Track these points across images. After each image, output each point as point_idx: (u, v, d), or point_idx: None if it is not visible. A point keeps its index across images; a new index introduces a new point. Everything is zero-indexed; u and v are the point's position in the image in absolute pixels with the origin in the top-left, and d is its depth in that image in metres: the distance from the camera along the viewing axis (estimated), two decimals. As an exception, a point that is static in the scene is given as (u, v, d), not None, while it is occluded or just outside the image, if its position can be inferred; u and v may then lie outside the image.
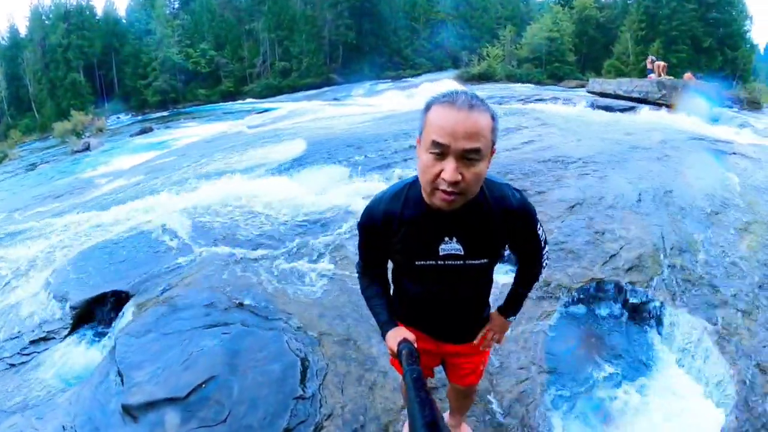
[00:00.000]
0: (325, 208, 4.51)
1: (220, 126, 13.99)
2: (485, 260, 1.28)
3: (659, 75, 14.84)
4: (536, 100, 14.67)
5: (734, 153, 6.32)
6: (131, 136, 20.90)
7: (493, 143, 1.11)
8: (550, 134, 6.94)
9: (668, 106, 12.61)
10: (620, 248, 3.63)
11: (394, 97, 19.39)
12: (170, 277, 3.34)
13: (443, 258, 1.25)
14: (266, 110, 19.83)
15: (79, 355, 2.95)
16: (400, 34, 46.37)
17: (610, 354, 2.87)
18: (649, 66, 15.77)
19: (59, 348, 3.02)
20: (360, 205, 4.49)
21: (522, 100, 14.91)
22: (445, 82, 22.91)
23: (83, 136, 21.97)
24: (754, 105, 19.28)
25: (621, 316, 3.22)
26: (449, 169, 1.04)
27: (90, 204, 6.21)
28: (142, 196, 5.35)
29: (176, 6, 48.61)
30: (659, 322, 3.12)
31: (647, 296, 3.23)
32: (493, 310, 1.56)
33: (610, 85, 16.10)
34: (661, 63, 15.62)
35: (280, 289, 3.19)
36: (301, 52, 42.12)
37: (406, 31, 46.64)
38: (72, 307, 3.22)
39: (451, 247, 1.24)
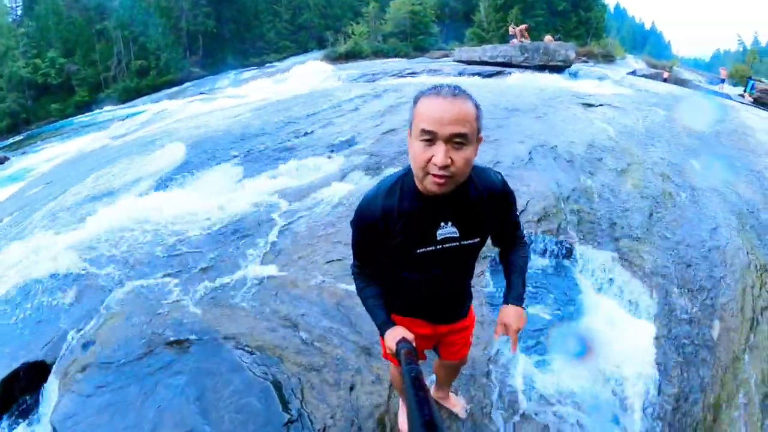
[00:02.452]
0: (230, 213, 4.26)
1: (82, 141, 12.18)
2: (478, 239, 1.37)
3: (521, 39, 16.28)
4: (409, 74, 15.02)
5: (601, 104, 7.26)
6: (-15, 172, 17.36)
7: (479, 131, 1.19)
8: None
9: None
10: (526, 203, 3.99)
11: (264, 85, 18.64)
12: (85, 329, 2.88)
13: (441, 242, 1.33)
14: (129, 116, 17.73)
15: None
16: (261, 18, 44.18)
17: (543, 297, 3.20)
18: (511, 32, 17.19)
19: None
20: (266, 202, 4.38)
21: (395, 75, 15.15)
22: (314, 64, 22.68)
23: (-73, 180, 17.82)
24: (608, 58, 22.26)
25: (542, 262, 3.59)
26: (439, 153, 1.12)
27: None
28: (20, 240, 4.47)
29: (19, 13, 40.66)
30: (575, 261, 3.55)
31: (559, 240, 3.65)
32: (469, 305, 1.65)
33: (475, 52, 17.28)
34: (523, 26, 17.12)
35: (215, 311, 2.96)
36: (158, 48, 38.04)
37: (267, 15, 44.51)
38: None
39: (447, 231, 1.32)
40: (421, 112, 1.15)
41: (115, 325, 2.88)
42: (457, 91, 1.15)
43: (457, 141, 1.13)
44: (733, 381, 2.62)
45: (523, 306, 1.46)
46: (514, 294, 1.47)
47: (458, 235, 1.33)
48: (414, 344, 1.32)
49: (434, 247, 1.33)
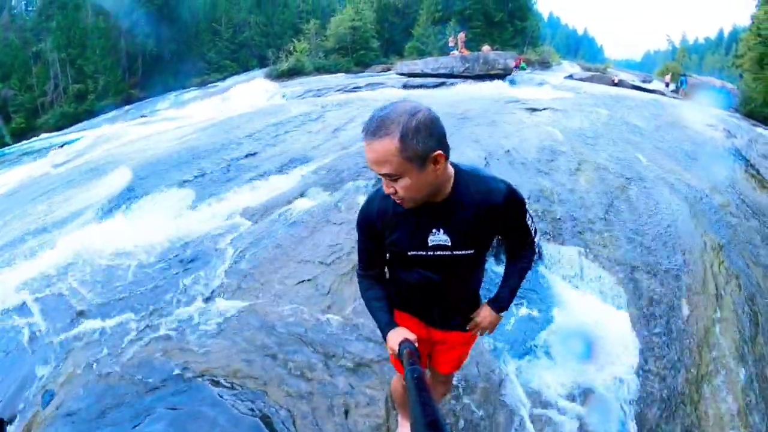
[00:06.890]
0: (186, 239, 4.05)
1: (20, 172, 11.18)
2: (472, 251, 1.35)
3: (462, 51, 16.83)
4: (354, 88, 15.12)
5: (545, 108, 7.62)
6: None
7: (417, 157, 1.10)
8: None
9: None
10: (489, 208, 4.10)
11: (207, 106, 18.34)
12: (43, 379, 2.62)
13: (432, 249, 1.34)
14: (68, 143, 16.67)
15: None
16: (202, 38, 43.26)
17: (520, 296, 3.25)
18: (451, 43, 17.76)
19: None
20: (224, 225, 4.24)
21: (340, 90, 15.19)
22: (257, 82, 22.64)
23: None
24: (544, 65, 23.72)
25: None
26: (383, 185, 1.24)
27: None
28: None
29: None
30: (544, 259, 3.67)
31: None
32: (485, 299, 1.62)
33: (416, 65, 17.70)
34: (461, 34, 17.73)
35: (184, 347, 2.76)
36: (96, 71, 36.14)
37: (208, 34, 43.62)
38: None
39: (438, 238, 1.32)
40: None
41: (75, 372, 2.63)
42: (375, 128, 1.10)
43: (389, 177, 1.17)
44: (709, 353, 2.80)
45: (500, 312, 1.56)
46: (500, 301, 1.56)
47: (449, 244, 1.32)
48: (416, 345, 1.32)
49: (425, 253, 1.35)
